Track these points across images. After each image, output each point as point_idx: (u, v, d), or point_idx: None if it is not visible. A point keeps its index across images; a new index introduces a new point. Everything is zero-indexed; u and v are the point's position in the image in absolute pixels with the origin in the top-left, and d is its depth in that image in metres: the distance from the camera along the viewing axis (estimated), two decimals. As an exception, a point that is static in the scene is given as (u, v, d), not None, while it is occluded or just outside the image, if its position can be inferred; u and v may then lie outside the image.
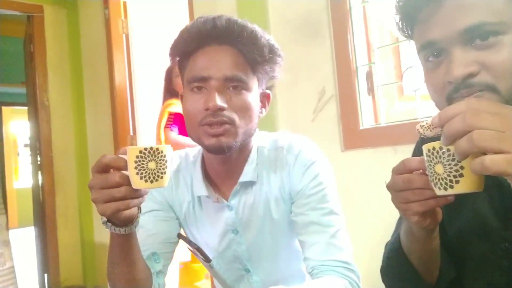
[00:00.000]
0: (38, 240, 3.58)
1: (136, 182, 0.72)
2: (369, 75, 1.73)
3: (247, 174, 0.97)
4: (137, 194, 0.75)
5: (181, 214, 1.05)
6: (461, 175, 0.54)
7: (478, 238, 0.71)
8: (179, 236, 1.05)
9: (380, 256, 0.84)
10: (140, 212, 0.82)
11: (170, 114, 2.67)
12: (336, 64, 1.75)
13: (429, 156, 0.57)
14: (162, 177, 0.73)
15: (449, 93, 0.65)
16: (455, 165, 0.54)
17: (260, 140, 1.02)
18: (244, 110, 0.90)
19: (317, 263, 0.90)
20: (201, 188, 0.99)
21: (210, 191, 0.99)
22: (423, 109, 1.56)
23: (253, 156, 0.99)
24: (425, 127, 0.61)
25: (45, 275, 3.47)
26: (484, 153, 0.47)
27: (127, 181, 0.73)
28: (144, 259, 0.94)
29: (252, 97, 0.92)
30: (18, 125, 8.40)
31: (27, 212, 6.82)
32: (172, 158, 1.07)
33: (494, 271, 0.69)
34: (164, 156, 0.73)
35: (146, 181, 0.72)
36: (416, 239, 0.70)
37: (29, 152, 3.70)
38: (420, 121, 0.73)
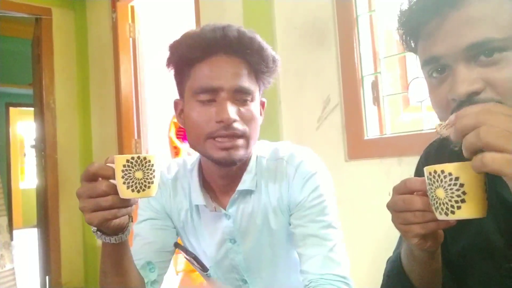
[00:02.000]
0: (41, 241, 3.59)
1: (123, 192, 0.71)
2: (374, 85, 1.72)
3: (245, 182, 0.96)
4: (125, 204, 0.74)
5: (178, 222, 1.04)
6: (463, 201, 0.52)
7: (482, 257, 0.69)
8: (176, 245, 1.04)
9: (384, 267, 0.83)
10: (132, 221, 0.81)
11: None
12: (342, 72, 1.74)
13: (430, 180, 0.55)
14: (149, 187, 0.72)
15: (453, 110, 0.63)
16: (457, 190, 0.52)
17: (259, 149, 1.01)
18: (253, 121, 0.90)
19: (315, 277, 0.88)
20: (198, 197, 0.98)
21: (207, 199, 0.99)
22: (428, 120, 1.54)
23: (252, 164, 0.97)
24: (442, 126, 0.60)
25: (47, 277, 3.47)
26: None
27: (114, 190, 0.72)
28: (139, 268, 0.94)
29: (255, 106, 0.92)
30: (25, 126, 8.45)
31: (32, 212, 6.83)
32: (171, 166, 1.07)
33: None
34: (152, 165, 0.72)
35: (133, 190, 0.71)
36: (416, 260, 0.68)
37: (34, 153, 3.71)
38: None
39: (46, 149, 3.46)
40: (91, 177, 0.73)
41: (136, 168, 0.71)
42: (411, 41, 0.71)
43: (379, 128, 1.72)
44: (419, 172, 0.83)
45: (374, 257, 1.51)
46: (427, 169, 0.56)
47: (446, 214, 0.54)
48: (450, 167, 0.53)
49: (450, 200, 0.53)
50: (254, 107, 0.91)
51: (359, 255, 1.63)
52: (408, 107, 1.75)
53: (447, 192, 0.53)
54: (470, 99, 0.61)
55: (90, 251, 3.45)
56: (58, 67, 3.50)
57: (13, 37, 5.46)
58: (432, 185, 0.55)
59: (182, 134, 2.75)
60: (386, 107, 1.71)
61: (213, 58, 0.88)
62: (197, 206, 1.01)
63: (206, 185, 1.01)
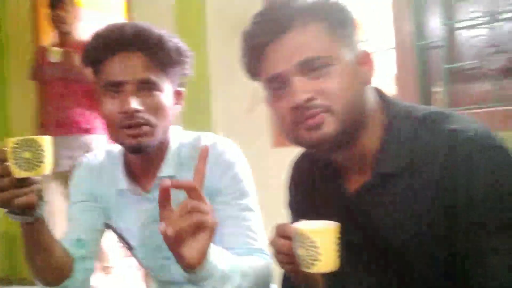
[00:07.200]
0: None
1: (15, 171, 0.77)
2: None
3: (166, 169, 1.03)
4: (23, 183, 0.79)
5: (105, 205, 1.10)
6: (317, 259, 0.65)
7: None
8: (106, 225, 1.11)
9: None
10: (42, 200, 0.86)
11: None
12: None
13: (295, 238, 0.68)
14: (39, 166, 0.78)
15: (295, 117, 0.74)
16: (313, 251, 0.65)
17: (181, 138, 1.08)
18: (159, 110, 0.97)
19: (236, 251, 0.97)
20: (122, 182, 1.05)
21: (131, 184, 1.05)
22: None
23: (172, 152, 1.04)
24: None
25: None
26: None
27: (8, 172, 0.77)
28: (68, 245, 1.00)
29: (165, 96, 0.99)
30: None
31: None
32: (97, 153, 1.14)
33: None
34: (40, 146, 0.78)
35: (24, 170, 0.77)
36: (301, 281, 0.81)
37: None
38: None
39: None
40: None
41: (24, 149, 0.77)
42: (252, 66, 0.81)
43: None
44: (289, 187, 0.98)
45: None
46: (294, 229, 0.68)
47: (305, 268, 0.67)
48: (309, 232, 0.66)
49: (308, 257, 0.66)
50: (162, 97, 0.98)
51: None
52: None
53: (306, 251, 0.66)
54: (308, 105, 0.73)
55: (11, 240, 3.31)
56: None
57: None
58: (295, 243, 0.68)
59: None
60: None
61: (117, 54, 0.96)
62: (122, 190, 1.07)
63: (130, 170, 1.07)
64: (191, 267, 0.76)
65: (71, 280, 0.99)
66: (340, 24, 0.77)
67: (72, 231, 1.05)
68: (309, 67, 0.73)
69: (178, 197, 1.01)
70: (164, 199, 0.74)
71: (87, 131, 2.46)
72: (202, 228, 0.74)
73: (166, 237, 0.74)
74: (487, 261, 0.66)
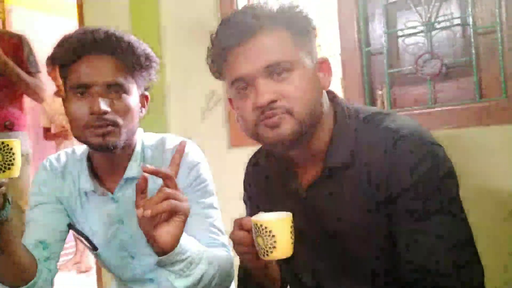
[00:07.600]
0: None
1: None
2: (253, 80, 1.91)
3: (131, 170, 1.07)
4: None
5: (68, 206, 1.12)
6: (274, 247, 0.73)
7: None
8: (69, 226, 1.13)
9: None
10: (9, 203, 0.88)
11: None
12: (225, 68, 1.90)
13: (254, 229, 0.75)
14: (10, 168, 0.81)
15: (257, 115, 0.80)
16: (270, 239, 0.73)
17: (146, 140, 1.13)
18: (126, 112, 1.01)
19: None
20: (87, 183, 1.08)
21: (96, 185, 1.08)
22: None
23: (136, 153, 1.08)
24: None
25: None
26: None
27: None
28: (31, 247, 1.01)
29: (132, 99, 1.03)
30: None
31: None
32: (60, 155, 1.15)
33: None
34: (11, 149, 0.81)
35: None
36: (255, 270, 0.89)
37: None
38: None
39: None
40: None
41: None
42: (219, 68, 0.87)
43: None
44: (246, 182, 1.06)
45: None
46: (252, 221, 0.75)
47: (263, 256, 0.74)
48: (266, 223, 0.73)
49: (266, 246, 0.73)
50: (129, 100, 1.02)
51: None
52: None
53: (264, 240, 0.73)
54: (270, 105, 0.79)
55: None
56: None
57: None
58: (255, 234, 0.75)
59: None
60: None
61: (87, 57, 0.99)
62: (86, 191, 1.09)
63: (95, 172, 1.10)
64: (164, 250, 0.81)
65: (35, 282, 0.99)
66: (302, 31, 0.83)
67: (34, 233, 1.06)
68: (273, 71, 0.79)
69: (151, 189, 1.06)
70: (143, 185, 0.80)
71: (7, 128, 2.27)
72: (176, 214, 0.80)
73: (142, 221, 0.79)
74: (418, 242, 0.75)
